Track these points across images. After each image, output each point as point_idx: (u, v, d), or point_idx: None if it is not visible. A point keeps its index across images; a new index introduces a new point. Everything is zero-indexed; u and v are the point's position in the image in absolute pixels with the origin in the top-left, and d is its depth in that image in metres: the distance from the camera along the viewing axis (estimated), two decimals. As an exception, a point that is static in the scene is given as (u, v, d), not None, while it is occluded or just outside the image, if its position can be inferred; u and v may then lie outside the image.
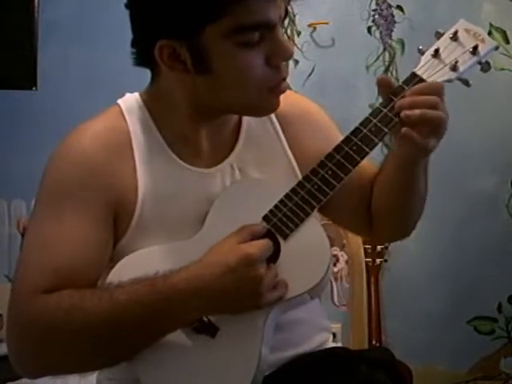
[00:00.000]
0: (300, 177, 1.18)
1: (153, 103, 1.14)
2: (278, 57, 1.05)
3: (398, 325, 2.55)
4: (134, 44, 1.09)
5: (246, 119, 1.19)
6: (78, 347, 1.02)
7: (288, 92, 1.14)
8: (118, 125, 1.12)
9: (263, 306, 1.03)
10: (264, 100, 1.08)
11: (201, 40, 1.01)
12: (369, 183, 1.23)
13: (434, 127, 1.04)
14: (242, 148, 1.17)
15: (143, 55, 1.09)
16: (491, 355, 2.60)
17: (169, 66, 1.05)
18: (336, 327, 2.35)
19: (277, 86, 1.08)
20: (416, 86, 1.06)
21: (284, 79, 1.08)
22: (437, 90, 1.05)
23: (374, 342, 2.29)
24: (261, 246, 1.03)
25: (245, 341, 1.04)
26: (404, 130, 1.03)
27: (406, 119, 1.04)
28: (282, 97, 1.13)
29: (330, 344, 1.26)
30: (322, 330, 1.25)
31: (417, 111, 1.03)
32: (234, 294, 1.01)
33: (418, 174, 1.15)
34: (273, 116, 1.20)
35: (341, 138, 1.19)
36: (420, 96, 1.05)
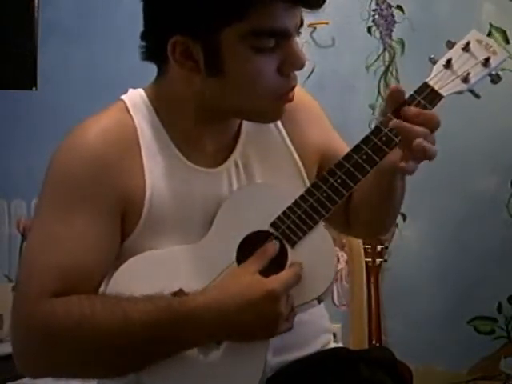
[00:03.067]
0: (302, 169, 1.20)
1: (158, 100, 1.12)
2: (291, 65, 1.04)
3: (397, 325, 2.55)
4: (144, 37, 1.08)
5: None
6: (84, 358, 1.02)
7: None
8: (125, 121, 1.10)
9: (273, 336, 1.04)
10: (271, 107, 1.08)
11: (216, 40, 1.01)
12: None
13: (421, 156, 1.03)
14: (244, 144, 1.17)
15: (154, 49, 1.07)
16: (491, 355, 2.60)
17: (180, 63, 1.04)
18: (336, 327, 2.35)
19: (285, 94, 1.07)
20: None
21: (293, 88, 1.08)
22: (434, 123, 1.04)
23: (374, 342, 2.29)
24: (284, 280, 1.02)
25: (250, 348, 1.04)
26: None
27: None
28: None
29: (331, 344, 1.25)
30: (325, 331, 1.25)
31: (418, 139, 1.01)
32: (251, 327, 1.01)
33: (395, 183, 1.14)
34: None
35: (331, 127, 1.25)
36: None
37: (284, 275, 1.03)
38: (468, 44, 1.09)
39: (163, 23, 1.04)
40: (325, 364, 1.16)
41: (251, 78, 1.03)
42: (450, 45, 1.11)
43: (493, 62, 1.08)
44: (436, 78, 1.08)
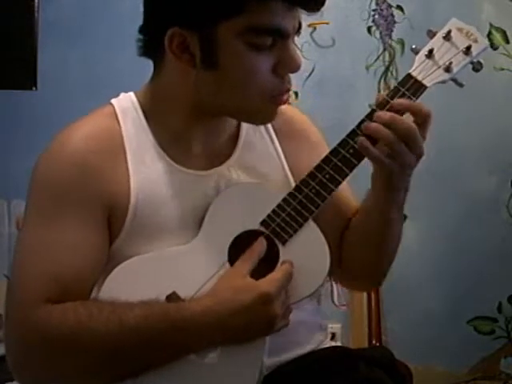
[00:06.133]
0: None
1: (148, 101, 1.13)
2: (286, 67, 1.05)
3: (397, 325, 2.55)
4: (142, 31, 1.09)
5: (244, 128, 1.18)
6: (80, 365, 1.01)
7: (287, 106, 1.16)
8: (110, 126, 1.10)
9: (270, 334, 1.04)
10: (263, 107, 1.08)
11: (214, 34, 1.01)
12: (346, 220, 1.21)
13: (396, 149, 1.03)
14: (240, 155, 1.16)
15: (151, 43, 1.08)
16: (491, 355, 2.60)
17: (176, 55, 1.04)
18: (336, 327, 2.35)
19: (278, 96, 1.07)
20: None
21: (287, 91, 1.08)
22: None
23: (373, 342, 2.29)
24: (277, 282, 1.02)
25: (247, 349, 1.04)
26: (360, 139, 1.04)
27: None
28: (283, 111, 1.13)
29: (326, 342, 1.25)
30: (320, 329, 1.24)
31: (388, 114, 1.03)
32: (248, 330, 1.02)
33: (390, 213, 1.13)
34: (270, 128, 1.20)
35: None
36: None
37: (276, 276, 1.03)
38: (449, 33, 1.09)
39: (162, 15, 1.04)
40: (323, 362, 1.15)
41: (245, 74, 1.03)
42: (431, 34, 1.11)
43: (474, 50, 1.09)
44: (419, 68, 1.08)
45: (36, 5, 2.52)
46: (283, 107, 1.14)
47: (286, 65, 1.04)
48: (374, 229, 1.17)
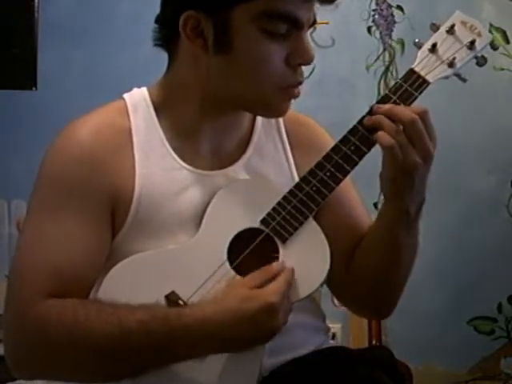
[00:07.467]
0: None
1: (161, 96, 1.12)
2: (299, 57, 1.04)
3: (397, 325, 2.55)
4: (159, 19, 1.09)
5: (257, 133, 1.17)
6: (77, 365, 1.01)
7: (310, 119, 1.16)
8: (119, 121, 1.10)
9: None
10: (274, 99, 1.07)
11: (229, 17, 1.01)
12: (358, 238, 1.19)
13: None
14: (249, 159, 1.16)
15: (167, 29, 1.08)
16: (491, 355, 2.60)
17: (190, 39, 1.04)
18: (336, 327, 2.34)
19: (290, 88, 1.07)
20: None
21: (299, 83, 1.07)
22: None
23: (374, 342, 2.28)
24: (281, 291, 1.00)
25: (247, 351, 1.03)
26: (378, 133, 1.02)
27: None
28: (303, 123, 1.14)
29: (327, 343, 1.24)
30: (319, 330, 1.24)
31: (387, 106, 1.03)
32: (250, 339, 1.01)
33: (397, 238, 1.11)
34: (285, 138, 1.19)
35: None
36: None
37: (279, 285, 1.01)
38: (453, 27, 1.07)
39: None
40: (322, 363, 1.15)
41: (257, 61, 1.03)
42: (435, 28, 1.09)
43: (478, 45, 1.07)
44: (422, 63, 1.06)
45: (36, 5, 2.52)
46: (307, 120, 1.14)
47: (298, 55, 1.04)
48: (378, 253, 1.14)
